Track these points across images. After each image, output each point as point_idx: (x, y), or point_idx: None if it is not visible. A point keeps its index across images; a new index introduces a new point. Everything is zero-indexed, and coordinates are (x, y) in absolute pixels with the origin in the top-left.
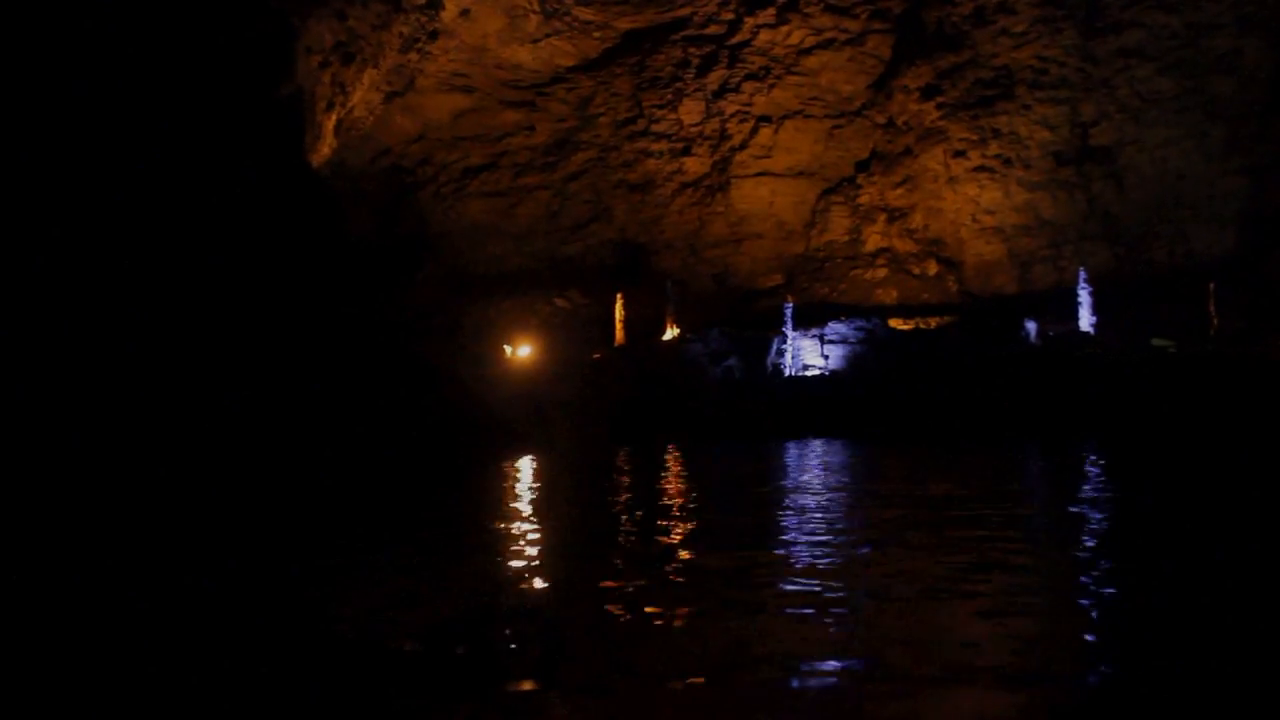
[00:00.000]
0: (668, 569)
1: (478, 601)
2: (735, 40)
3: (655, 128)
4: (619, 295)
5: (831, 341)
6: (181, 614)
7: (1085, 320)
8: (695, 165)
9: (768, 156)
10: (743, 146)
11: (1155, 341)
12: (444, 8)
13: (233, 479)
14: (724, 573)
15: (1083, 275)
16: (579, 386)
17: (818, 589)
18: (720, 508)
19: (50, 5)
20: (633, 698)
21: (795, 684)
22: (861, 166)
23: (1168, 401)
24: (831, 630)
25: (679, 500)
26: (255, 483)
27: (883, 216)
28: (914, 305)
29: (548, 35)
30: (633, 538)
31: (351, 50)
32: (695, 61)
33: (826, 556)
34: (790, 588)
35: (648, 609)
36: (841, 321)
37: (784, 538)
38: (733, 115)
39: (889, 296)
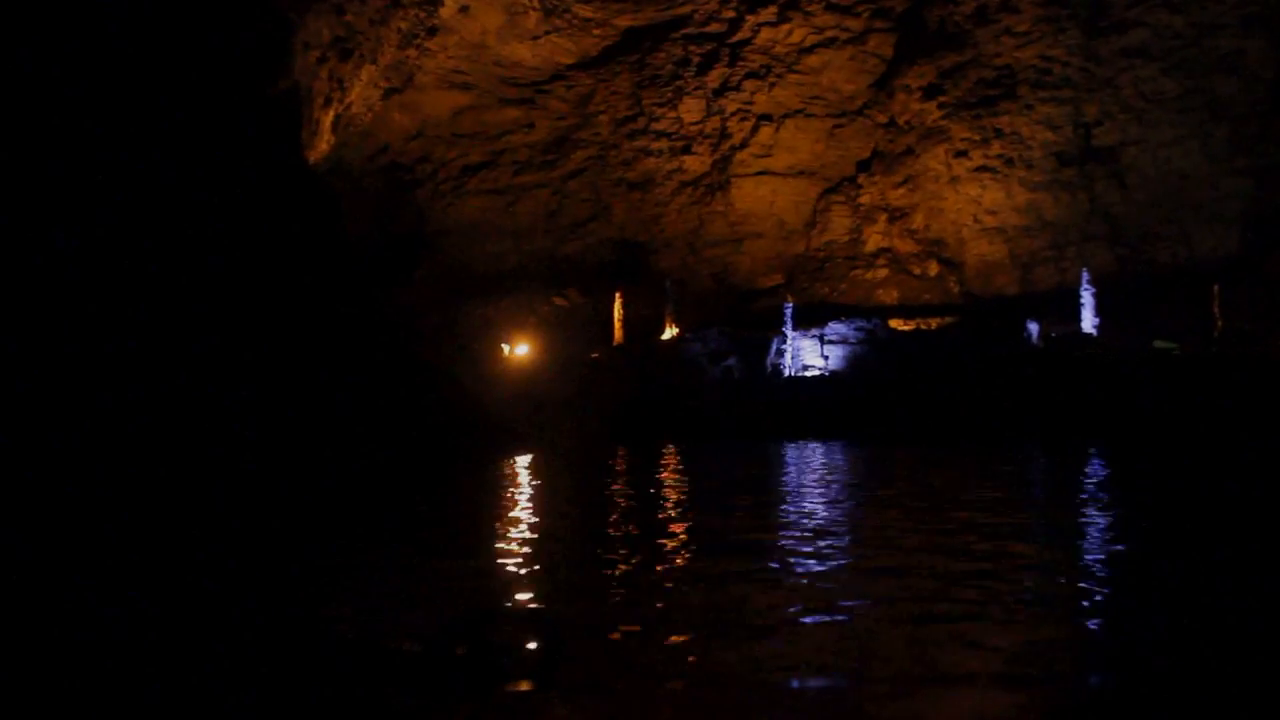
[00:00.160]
0: (668, 569)
1: (478, 601)
2: (736, 38)
3: (655, 126)
4: (618, 294)
5: (831, 342)
6: (181, 614)
7: (1088, 321)
8: (695, 164)
9: (768, 155)
10: (743, 145)
11: (1158, 344)
12: (443, 4)
13: (231, 479)
14: (724, 573)
15: (1085, 276)
16: (577, 386)
17: (818, 589)
18: (720, 508)
19: (46, 2)
20: (633, 698)
21: (795, 684)
22: (863, 166)
23: (1170, 402)
24: (831, 630)
25: (678, 500)
26: (254, 482)
27: (884, 216)
28: (915, 306)
29: (547, 32)
30: (632, 538)
31: (350, 46)
32: (696, 60)
33: (827, 557)
34: (790, 588)
35: (648, 609)
36: (842, 322)
37: (784, 538)
38: (733, 114)
39: (890, 297)
